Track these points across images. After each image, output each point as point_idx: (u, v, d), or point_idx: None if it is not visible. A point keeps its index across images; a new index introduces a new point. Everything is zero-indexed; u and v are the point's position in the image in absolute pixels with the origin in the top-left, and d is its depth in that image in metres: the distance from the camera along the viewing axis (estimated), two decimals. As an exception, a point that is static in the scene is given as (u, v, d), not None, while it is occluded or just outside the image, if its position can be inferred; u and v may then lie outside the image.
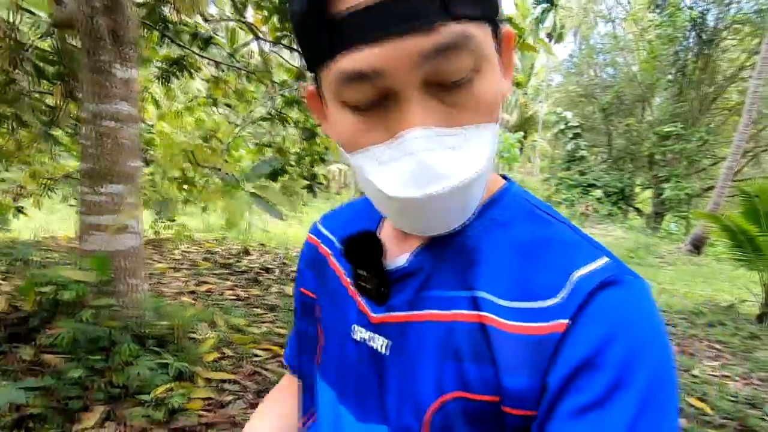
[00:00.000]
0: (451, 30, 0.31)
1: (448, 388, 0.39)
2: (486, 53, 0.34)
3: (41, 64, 3.31)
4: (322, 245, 0.58)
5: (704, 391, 2.72)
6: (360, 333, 0.47)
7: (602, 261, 0.37)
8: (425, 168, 0.33)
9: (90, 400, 1.80)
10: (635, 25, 16.16)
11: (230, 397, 2.06)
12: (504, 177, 0.48)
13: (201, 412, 1.89)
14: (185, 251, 5.57)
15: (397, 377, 0.43)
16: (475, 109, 0.34)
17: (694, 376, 2.99)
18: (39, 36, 3.30)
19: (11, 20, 2.83)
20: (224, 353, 2.53)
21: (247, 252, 5.67)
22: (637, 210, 16.61)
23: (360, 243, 0.46)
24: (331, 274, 0.55)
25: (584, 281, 0.35)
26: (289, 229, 8.44)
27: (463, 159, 0.34)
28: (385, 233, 0.49)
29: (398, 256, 0.46)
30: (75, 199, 5.69)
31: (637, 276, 0.37)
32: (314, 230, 0.61)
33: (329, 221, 0.61)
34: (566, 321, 0.34)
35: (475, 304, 0.39)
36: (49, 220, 6.72)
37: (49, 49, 3.44)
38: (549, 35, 15.21)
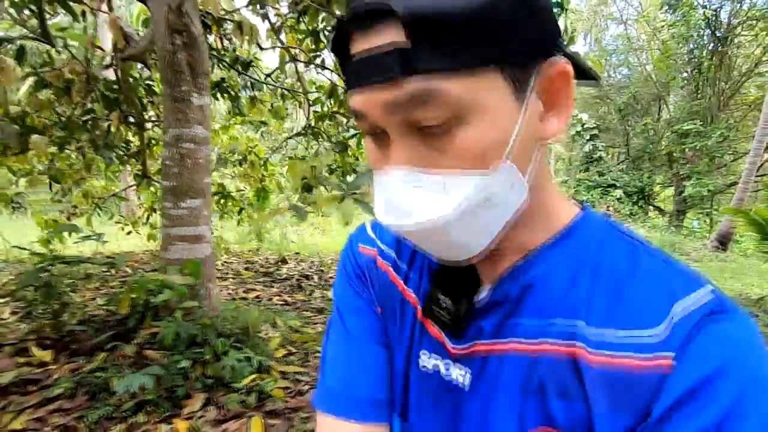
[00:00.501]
0: (414, 84, 0.32)
1: (531, 424, 0.38)
2: (472, 102, 0.33)
3: (106, 93, 3.66)
4: (381, 259, 0.53)
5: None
6: (432, 361, 0.45)
7: (704, 291, 0.35)
8: (394, 203, 0.36)
9: (191, 389, 2.05)
10: (647, 25, 16.21)
11: (306, 387, 2.28)
12: (581, 203, 0.46)
13: (285, 399, 2.11)
14: (226, 262, 5.87)
15: (477, 412, 0.41)
16: (455, 155, 0.34)
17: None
18: (104, 68, 3.65)
19: (87, 56, 3.17)
20: (290, 350, 2.76)
21: (284, 261, 5.94)
22: (658, 209, 16.49)
23: (455, 273, 0.45)
24: (394, 292, 0.51)
25: (688, 313, 0.34)
26: (313, 238, 8.70)
27: (432, 201, 0.35)
28: None
29: (480, 287, 0.45)
30: (121, 216, 6.08)
31: (739, 308, 0.35)
32: (367, 240, 0.56)
33: (381, 232, 0.55)
34: (671, 356, 0.33)
35: (564, 334, 0.38)
36: (94, 238, 7.10)
37: (106, 80, 3.78)
38: (560, 39, 15.37)
